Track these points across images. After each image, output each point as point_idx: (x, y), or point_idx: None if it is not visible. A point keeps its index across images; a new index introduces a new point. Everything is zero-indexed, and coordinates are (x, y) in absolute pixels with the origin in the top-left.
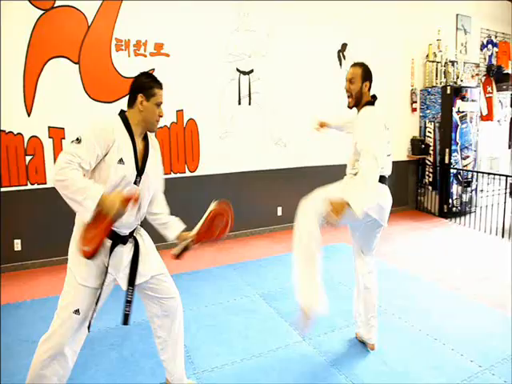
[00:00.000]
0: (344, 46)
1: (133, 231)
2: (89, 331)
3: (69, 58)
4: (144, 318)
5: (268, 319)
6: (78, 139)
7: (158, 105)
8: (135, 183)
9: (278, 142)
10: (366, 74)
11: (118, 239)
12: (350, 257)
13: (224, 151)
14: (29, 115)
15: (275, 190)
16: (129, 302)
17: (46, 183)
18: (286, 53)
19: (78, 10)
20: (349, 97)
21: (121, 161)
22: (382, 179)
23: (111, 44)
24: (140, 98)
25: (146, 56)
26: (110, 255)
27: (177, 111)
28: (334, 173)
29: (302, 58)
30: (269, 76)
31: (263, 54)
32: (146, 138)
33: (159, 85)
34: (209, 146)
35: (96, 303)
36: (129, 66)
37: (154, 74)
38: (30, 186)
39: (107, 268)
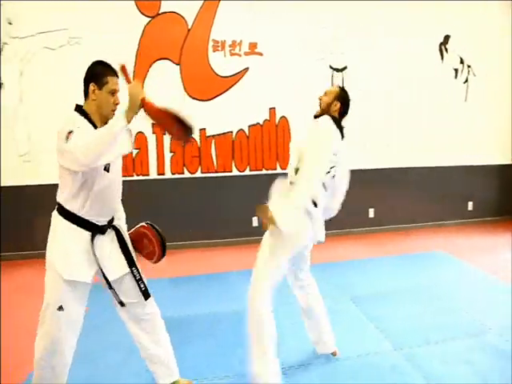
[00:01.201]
0: (446, 38)
1: (111, 220)
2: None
3: (171, 60)
4: (234, 308)
5: (356, 322)
6: (70, 132)
7: (112, 93)
8: (105, 169)
9: (374, 141)
10: (341, 97)
11: (96, 230)
12: (449, 266)
13: None
14: (136, 113)
15: (368, 191)
16: (140, 279)
17: (148, 175)
18: (382, 48)
19: (179, 14)
20: (319, 106)
21: None
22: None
23: (208, 45)
24: (92, 86)
25: (240, 55)
26: (93, 246)
27: (269, 109)
28: (439, 176)
29: (398, 53)
30: (363, 73)
31: (357, 51)
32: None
33: (112, 72)
34: None
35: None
36: (224, 66)
37: (247, 73)
38: (135, 177)
39: (96, 258)
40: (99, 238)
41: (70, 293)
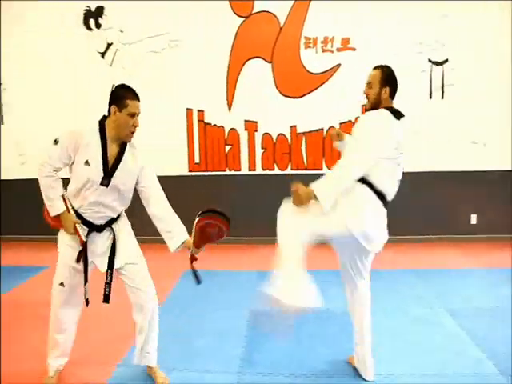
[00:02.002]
0: None
1: (110, 222)
2: (87, 305)
3: (263, 58)
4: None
5: (453, 337)
6: (55, 140)
7: (132, 115)
8: (103, 184)
9: (475, 140)
10: (387, 79)
11: (92, 227)
12: None
13: (412, 148)
14: (229, 110)
15: (469, 195)
16: (108, 284)
17: (240, 170)
18: (486, 39)
19: (271, 13)
20: (367, 99)
21: (87, 162)
22: (381, 197)
23: (300, 42)
24: (113, 108)
25: (332, 52)
26: (85, 243)
27: (362, 106)
28: None
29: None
30: (466, 66)
31: (460, 42)
32: (123, 144)
33: (134, 96)
34: None
35: (85, 283)
36: (316, 63)
37: (339, 69)
38: (227, 172)
39: (86, 252)
40: (95, 235)
41: (71, 274)
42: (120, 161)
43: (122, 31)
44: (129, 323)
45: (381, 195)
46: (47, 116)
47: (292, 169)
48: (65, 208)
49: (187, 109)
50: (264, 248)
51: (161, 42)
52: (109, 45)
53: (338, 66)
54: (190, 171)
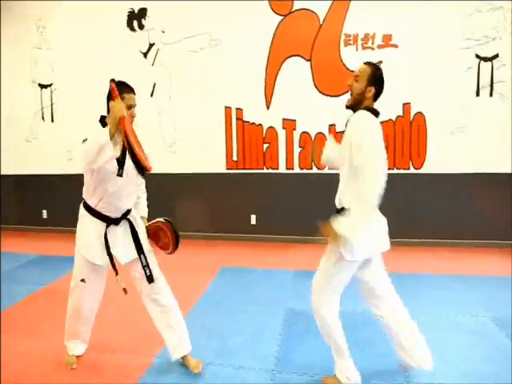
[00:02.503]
0: None
1: (125, 214)
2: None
3: (302, 56)
4: (353, 307)
5: (500, 349)
6: (85, 140)
7: (129, 107)
8: (119, 174)
9: None
10: (376, 78)
11: (110, 221)
12: None
13: (455, 148)
14: (267, 108)
15: None
16: (146, 266)
17: (277, 169)
18: None
19: (311, 11)
20: (350, 95)
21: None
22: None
23: (340, 40)
24: (111, 103)
25: (373, 49)
26: (106, 238)
27: (403, 104)
28: None
29: None
30: None
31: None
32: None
33: (129, 89)
34: (438, 142)
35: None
36: (356, 60)
37: (380, 66)
38: (265, 170)
39: (108, 246)
40: (113, 228)
41: (91, 271)
42: (126, 151)
43: (163, 31)
44: None
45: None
46: (93, 115)
47: (330, 168)
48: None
49: (226, 107)
50: (300, 247)
51: (200, 41)
52: (151, 45)
53: (379, 63)
54: (227, 169)
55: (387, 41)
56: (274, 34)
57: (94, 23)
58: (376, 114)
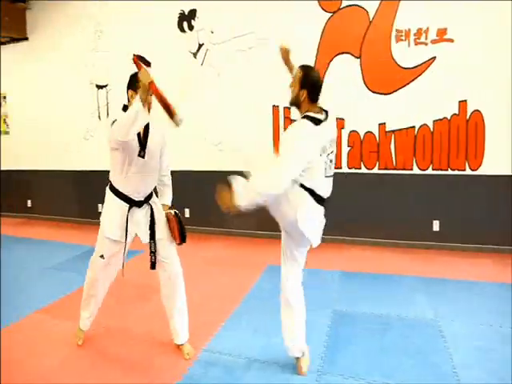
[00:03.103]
0: None
1: (147, 198)
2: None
3: (351, 54)
4: (402, 314)
5: None
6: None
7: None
8: (140, 155)
9: None
10: (305, 81)
11: (133, 203)
12: None
13: None
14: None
15: None
16: (153, 252)
17: (341, 168)
18: None
19: (361, 7)
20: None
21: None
22: (316, 196)
23: (391, 36)
24: (130, 92)
25: (426, 44)
26: (127, 216)
27: (459, 102)
28: None
29: None
30: None
31: None
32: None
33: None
34: (497, 143)
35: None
36: (408, 57)
37: (434, 62)
38: None
39: (127, 225)
40: (135, 210)
41: (110, 247)
42: (147, 133)
43: (212, 32)
44: (215, 311)
45: (314, 193)
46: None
47: (380, 168)
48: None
49: (273, 106)
50: (347, 247)
51: (248, 40)
52: (200, 45)
53: (433, 59)
54: None
55: (442, 35)
56: (323, 32)
57: (146, 25)
58: (315, 121)
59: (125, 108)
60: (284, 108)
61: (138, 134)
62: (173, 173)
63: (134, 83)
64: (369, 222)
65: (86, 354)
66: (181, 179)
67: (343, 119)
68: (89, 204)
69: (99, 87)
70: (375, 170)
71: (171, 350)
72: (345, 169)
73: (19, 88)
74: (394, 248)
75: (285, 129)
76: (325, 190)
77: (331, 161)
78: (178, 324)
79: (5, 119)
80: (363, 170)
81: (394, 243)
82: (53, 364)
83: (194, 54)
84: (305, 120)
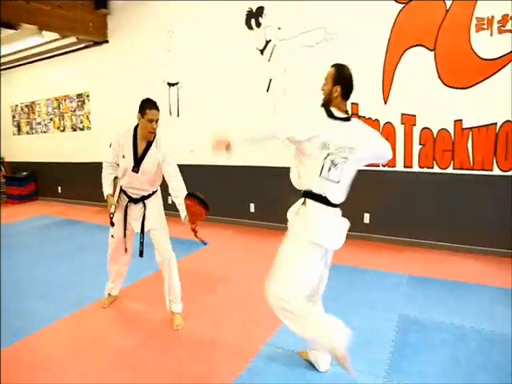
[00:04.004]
0: None
1: (143, 197)
2: (126, 252)
3: (425, 46)
4: (481, 326)
5: None
6: (110, 145)
7: (149, 121)
8: (134, 171)
9: None
10: (340, 78)
11: (131, 200)
12: None
13: None
14: (385, 103)
15: None
16: (141, 243)
17: (394, 166)
18: None
19: None
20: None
21: (123, 156)
22: (321, 199)
23: (470, 25)
24: (138, 116)
25: None
26: (126, 209)
27: None
28: None
29: None
30: None
31: None
32: (150, 142)
33: (152, 106)
34: None
35: (124, 236)
36: (490, 47)
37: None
38: (380, 168)
39: (125, 215)
40: (132, 205)
41: (118, 231)
42: (145, 154)
43: (279, 28)
44: None
45: (319, 197)
46: (214, 109)
47: (454, 168)
48: (109, 193)
49: None
50: (416, 250)
51: (316, 35)
52: (267, 42)
53: None
54: None
55: None
56: (394, 24)
57: (214, 24)
58: (331, 114)
59: (135, 127)
60: (352, 104)
61: (135, 153)
62: (239, 168)
63: (142, 108)
64: (439, 224)
65: (159, 336)
66: (246, 174)
67: (414, 116)
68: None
69: (171, 85)
70: (449, 170)
71: (235, 342)
72: (415, 168)
73: (100, 87)
74: (466, 254)
75: None
76: (332, 193)
77: (335, 165)
78: (171, 296)
79: (87, 116)
80: (436, 169)
81: (468, 249)
82: (132, 344)
83: (261, 51)
84: (322, 108)
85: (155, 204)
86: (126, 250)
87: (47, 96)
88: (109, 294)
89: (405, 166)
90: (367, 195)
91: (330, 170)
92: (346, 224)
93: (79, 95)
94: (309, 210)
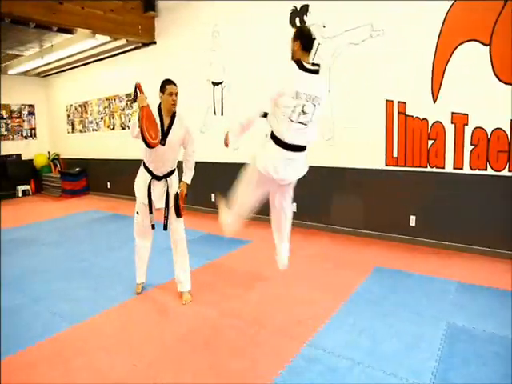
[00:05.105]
0: None
1: (166, 175)
2: (153, 228)
3: (479, 41)
4: None
5: None
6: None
7: (170, 94)
8: (161, 143)
9: None
10: (296, 34)
11: (154, 177)
12: None
13: None
14: (434, 101)
15: None
16: (166, 217)
17: (443, 168)
18: None
19: None
20: None
21: None
22: (279, 142)
23: None
24: (159, 93)
25: None
26: (149, 186)
27: None
28: None
29: None
30: None
31: None
32: (173, 116)
33: (170, 82)
34: None
35: (150, 213)
36: None
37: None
38: (428, 169)
39: (150, 193)
40: (155, 182)
41: (142, 208)
42: (171, 127)
43: (324, 26)
44: (320, 307)
45: (281, 141)
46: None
47: (510, 170)
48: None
49: (387, 100)
50: (465, 256)
51: (362, 33)
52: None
53: None
54: (386, 165)
55: None
56: (445, 19)
57: (258, 24)
58: (302, 66)
59: (158, 107)
60: (398, 103)
61: (162, 127)
62: None
63: (162, 86)
64: (491, 230)
65: (201, 332)
66: None
67: (466, 114)
68: (202, 193)
69: (215, 84)
70: (504, 172)
71: (276, 340)
72: (466, 169)
73: (147, 87)
74: None
75: (400, 126)
76: (292, 135)
77: (305, 113)
78: (180, 276)
79: (135, 114)
80: (489, 171)
81: None
82: (174, 338)
83: None
84: (293, 63)
85: (175, 183)
86: (152, 227)
87: (98, 96)
88: (141, 283)
89: (454, 168)
90: (413, 197)
91: (299, 115)
92: (302, 166)
93: (128, 95)
94: (268, 146)
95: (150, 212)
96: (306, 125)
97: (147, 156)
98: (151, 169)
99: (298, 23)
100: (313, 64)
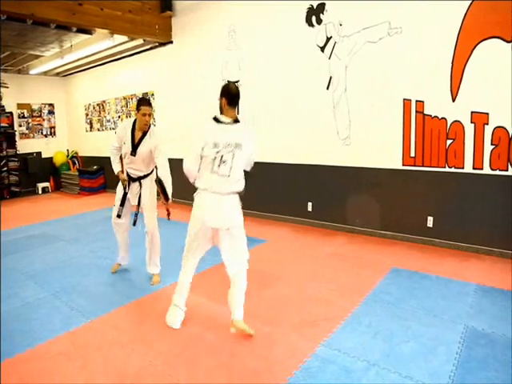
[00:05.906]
0: None
1: (140, 178)
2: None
3: (501, 38)
4: None
5: None
6: (115, 132)
7: (143, 115)
8: (132, 154)
9: None
10: (223, 92)
11: (130, 178)
12: None
13: None
14: (453, 100)
15: None
16: (136, 214)
17: (462, 168)
18: None
19: None
20: None
21: (124, 143)
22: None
23: None
24: (135, 111)
25: None
26: (128, 186)
27: None
28: None
29: None
30: None
31: None
32: (145, 132)
33: (145, 103)
34: None
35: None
36: None
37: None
38: (447, 169)
39: (126, 192)
40: (132, 184)
41: (120, 209)
42: (141, 141)
43: (341, 24)
44: (335, 307)
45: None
46: (273, 107)
47: None
48: (119, 170)
49: (404, 99)
50: (485, 258)
51: (379, 31)
52: (328, 38)
53: None
54: (403, 165)
55: None
56: (465, 15)
57: (275, 23)
58: (217, 120)
59: (134, 120)
60: (416, 102)
61: (132, 141)
62: (297, 166)
63: (137, 105)
64: (511, 233)
65: (216, 330)
66: (305, 173)
67: (487, 113)
68: None
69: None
70: None
71: (290, 340)
72: (486, 170)
73: (164, 86)
74: None
75: (417, 125)
76: (212, 183)
77: (224, 162)
78: (151, 260)
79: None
80: (510, 171)
81: None
82: (189, 335)
83: (322, 48)
84: (211, 119)
85: (148, 185)
86: (118, 216)
87: (116, 95)
88: (118, 264)
89: (474, 168)
90: (431, 198)
91: (219, 166)
92: (231, 207)
93: (145, 94)
94: (197, 197)
95: (121, 205)
96: (228, 176)
97: (124, 159)
98: (128, 172)
99: (314, 22)
100: (235, 121)
